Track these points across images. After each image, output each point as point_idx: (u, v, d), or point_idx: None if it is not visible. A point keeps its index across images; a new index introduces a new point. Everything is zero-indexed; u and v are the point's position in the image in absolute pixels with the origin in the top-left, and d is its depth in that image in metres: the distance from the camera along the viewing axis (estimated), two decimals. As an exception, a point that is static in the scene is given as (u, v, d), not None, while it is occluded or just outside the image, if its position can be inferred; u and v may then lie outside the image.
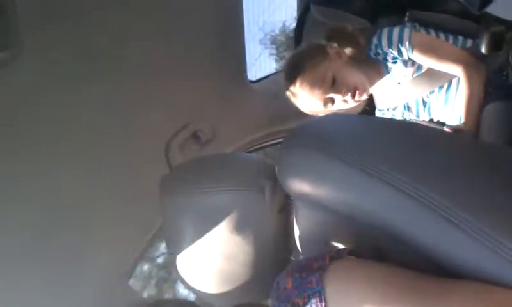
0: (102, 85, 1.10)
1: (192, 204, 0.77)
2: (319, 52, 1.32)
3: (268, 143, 1.76)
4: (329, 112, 1.36)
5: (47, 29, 0.93)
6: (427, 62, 1.28)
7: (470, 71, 1.22)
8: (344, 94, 1.29)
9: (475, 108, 1.20)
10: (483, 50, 1.16)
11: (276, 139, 1.75)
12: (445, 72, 1.28)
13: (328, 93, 1.29)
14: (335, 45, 1.33)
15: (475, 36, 1.26)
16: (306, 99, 1.33)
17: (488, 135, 1.15)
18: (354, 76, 1.31)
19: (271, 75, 1.76)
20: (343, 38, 1.34)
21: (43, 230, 1.04)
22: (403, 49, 1.27)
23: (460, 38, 1.31)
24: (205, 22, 1.32)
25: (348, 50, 1.33)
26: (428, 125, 1.39)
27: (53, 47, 0.96)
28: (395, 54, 1.29)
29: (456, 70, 1.24)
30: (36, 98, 0.96)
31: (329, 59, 1.31)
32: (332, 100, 1.31)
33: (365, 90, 1.32)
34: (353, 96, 1.29)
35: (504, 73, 1.18)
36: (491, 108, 1.17)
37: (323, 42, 1.35)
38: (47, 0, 0.90)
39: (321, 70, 1.29)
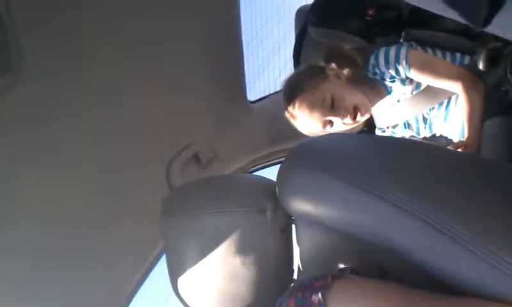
0: (102, 108, 1.10)
1: (193, 225, 0.77)
2: (318, 74, 1.33)
3: (268, 163, 1.76)
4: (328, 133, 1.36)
5: (48, 51, 0.93)
6: (425, 80, 1.28)
7: (469, 88, 1.22)
8: (343, 117, 1.29)
9: (477, 123, 1.20)
10: (481, 66, 1.16)
11: (277, 159, 1.75)
12: (444, 89, 1.28)
13: (327, 115, 1.29)
14: (334, 65, 1.34)
15: (472, 53, 1.28)
16: (305, 121, 1.33)
17: (486, 151, 1.15)
18: (354, 96, 1.31)
19: (271, 95, 1.77)
20: (341, 58, 1.35)
21: (44, 253, 1.03)
22: (400, 68, 1.28)
23: (457, 55, 1.32)
24: (203, 43, 1.33)
25: (346, 71, 1.34)
26: (430, 141, 1.40)
27: (53, 71, 0.96)
28: (393, 73, 1.29)
29: (454, 87, 1.25)
30: (37, 121, 0.97)
31: (328, 81, 1.31)
32: (331, 123, 1.31)
33: (366, 110, 1.32)
34: (354, 118, 1.29)
35: (502, 89, 1.19)
36: (489, 124, 1.17)
37: (322, 63, 1.36)
38: (47, 24, 0.91)
39: (320, 91, 1.29)
